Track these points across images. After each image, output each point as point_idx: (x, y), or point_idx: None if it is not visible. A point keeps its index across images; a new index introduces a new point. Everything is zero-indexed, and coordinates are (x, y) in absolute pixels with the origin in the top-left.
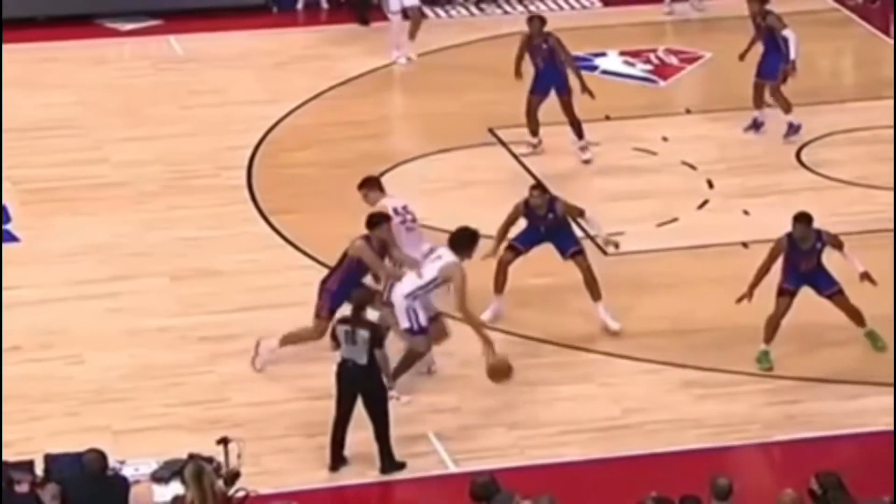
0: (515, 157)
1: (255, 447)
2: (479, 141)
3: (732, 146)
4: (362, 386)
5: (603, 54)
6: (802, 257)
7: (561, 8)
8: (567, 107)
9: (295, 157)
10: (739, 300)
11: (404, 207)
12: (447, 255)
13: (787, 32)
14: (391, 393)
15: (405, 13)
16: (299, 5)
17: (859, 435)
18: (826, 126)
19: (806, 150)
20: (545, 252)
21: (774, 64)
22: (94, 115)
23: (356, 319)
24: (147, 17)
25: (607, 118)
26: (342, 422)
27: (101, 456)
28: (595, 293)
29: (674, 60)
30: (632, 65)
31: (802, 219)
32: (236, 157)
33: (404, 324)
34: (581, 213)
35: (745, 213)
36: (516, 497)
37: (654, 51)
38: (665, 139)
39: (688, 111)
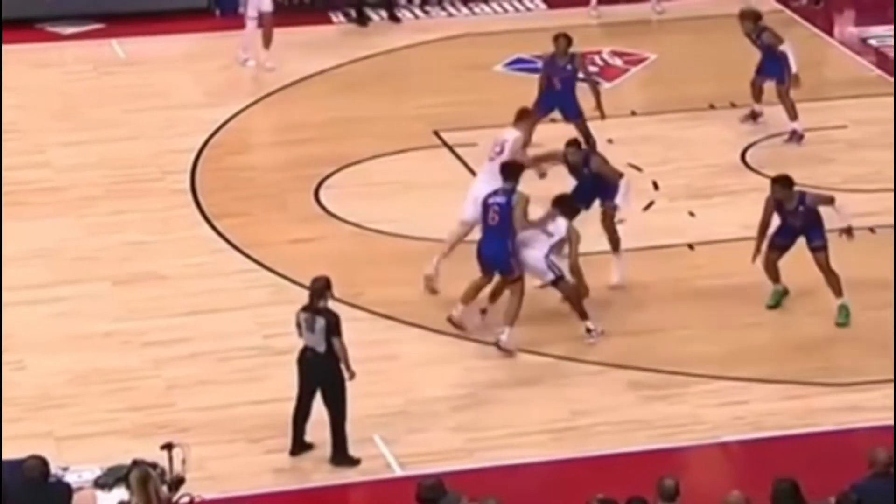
0: (461, 159)
1: (200, 452)
2: (425, 144)
3: (678, 147)
4: (320, 374)
5: None
6: (790, 216)
7: (505, 10)
8: (581, 128)
9: (240, 160)
10: (753, 259)
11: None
12: (559, 217)
13: (784, 47)
14: (591, 334)
15: (260, 18)
16: (241, 8)
17: (807, 435)
18: (771, 127)
19: (751, 152)
20: None
21: (774, 65)
22: (36, 118)
23: (314, 307)
24: (89, 21)
25: (552, 121)
26: (302, 409)
27: (41, 462)
28: (615, 247)
29: (619, 62)
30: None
31: (779, 180)
32: (180, 161)
33: (550, 276)
34: (620, 175)
35: (691, 214)
36: (463, 499)
37: (598, 52)
38: (610, 141)
39: (633, 113)
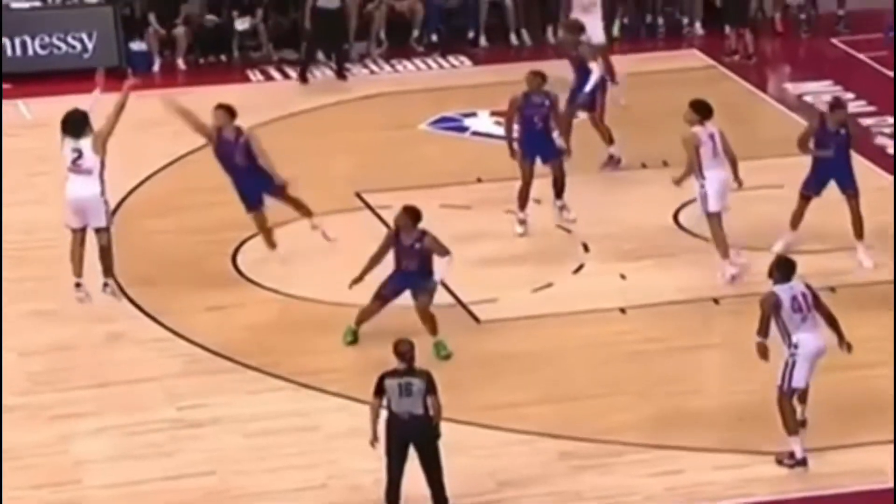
0: (384, 221)
1: None
2: (347, 206)
3: (608, 208)
4: (418, 436)
5: (473, 114)
6: None
7: (429, 67)
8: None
9: (153, 224)
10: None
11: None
12: None
13: (592, 65)
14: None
15: None
16: (155, 67)
17: None
18: None
19: (684, 212)
20: (405, 317)
21: (585, 84)
22: None
23: (412, 370)
24: None
25: (479, 180)
26: (398, 479)
27: None
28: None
29: None
30: (503, 125)
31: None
32: None
33: None
34: None
35: (622, 277)
36: None
37: None
38: (538, 202)
39: None
